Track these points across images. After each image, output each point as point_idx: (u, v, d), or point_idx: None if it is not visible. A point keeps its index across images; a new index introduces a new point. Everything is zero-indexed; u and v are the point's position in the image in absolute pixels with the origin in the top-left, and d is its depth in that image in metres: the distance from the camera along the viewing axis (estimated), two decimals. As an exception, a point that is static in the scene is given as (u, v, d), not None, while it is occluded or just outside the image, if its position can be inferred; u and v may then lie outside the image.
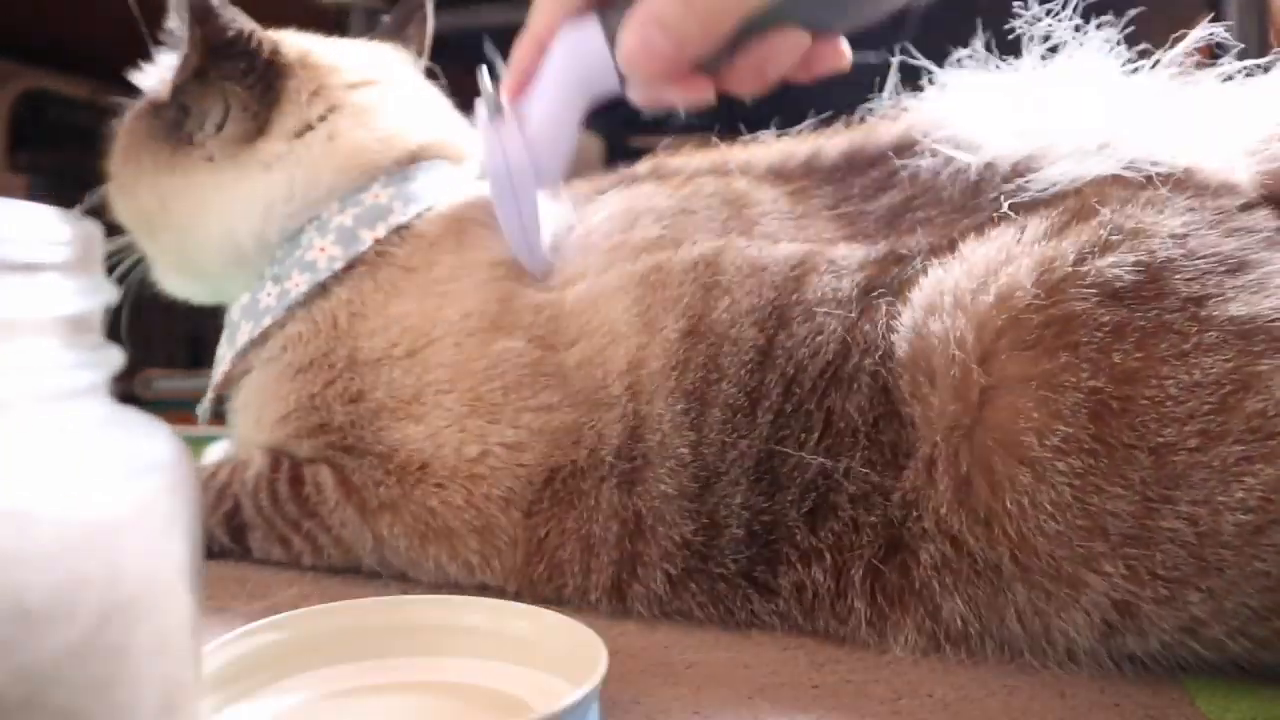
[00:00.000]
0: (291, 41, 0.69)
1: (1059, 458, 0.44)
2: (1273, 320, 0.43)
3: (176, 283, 0.72)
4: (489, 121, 0.58)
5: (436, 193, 0.66)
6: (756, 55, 0.53)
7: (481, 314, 0.59)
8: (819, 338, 0.51)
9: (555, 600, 0.55)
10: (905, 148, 0.56)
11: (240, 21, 0.65)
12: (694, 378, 0.53)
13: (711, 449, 0.52)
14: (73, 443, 0.25)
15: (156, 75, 0.69)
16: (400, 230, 0.64)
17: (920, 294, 0.50)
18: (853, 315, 0.51)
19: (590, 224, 0.61)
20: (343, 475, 0.60)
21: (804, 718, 0.43)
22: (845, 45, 0.56)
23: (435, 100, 0.74)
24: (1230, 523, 0.42)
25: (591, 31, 0.55)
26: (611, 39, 0.54)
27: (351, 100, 0.68)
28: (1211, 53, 0.56)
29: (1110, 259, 0.46)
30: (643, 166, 0.66)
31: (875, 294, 0.52)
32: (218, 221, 0.66)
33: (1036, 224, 0.49)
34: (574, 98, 0.57)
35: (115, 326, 0.72)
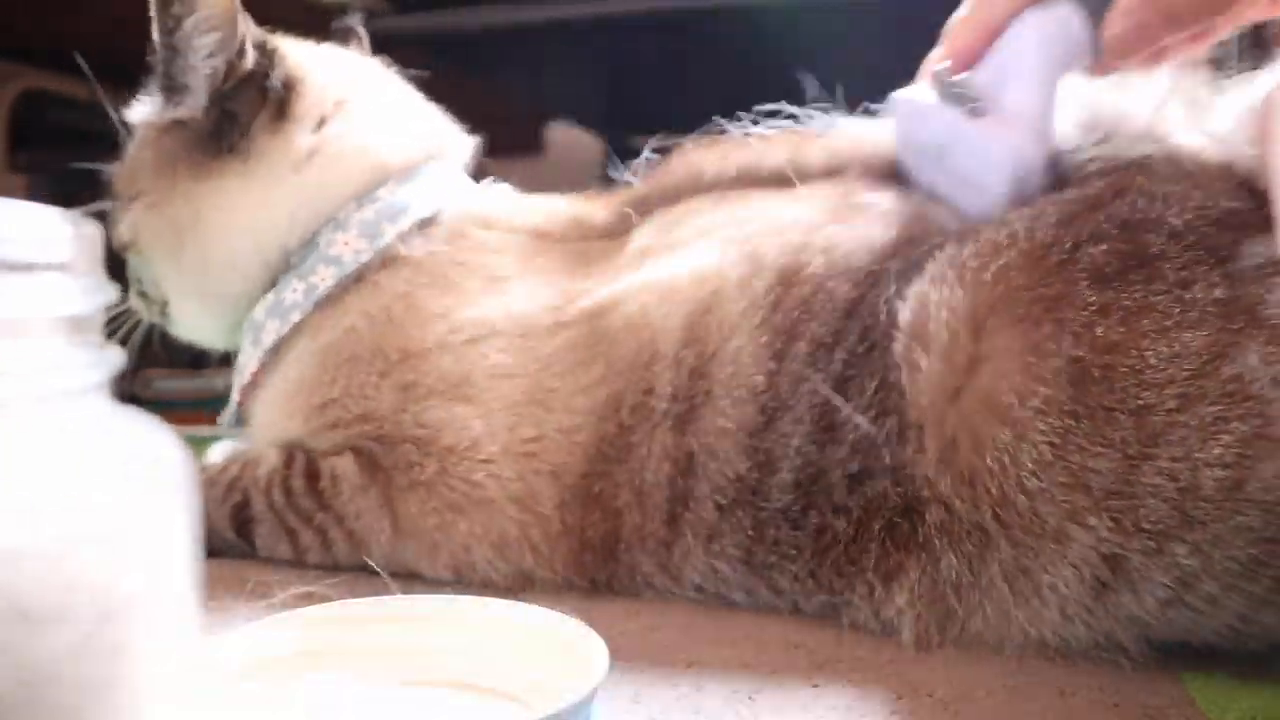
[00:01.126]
0: (289, 46, 0.71)
1: (1039, 417, 0.46)
2: (1254, 302, 0.45)
3: (194, 315, 0.72)
4: (973, 121, 0.55)
5: (451, 191, 0.69)
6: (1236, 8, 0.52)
7: (546, 308, 0.62)
8: (892, 300, 0.53)
9: (613, 540, 0.57)
10: None
11: (267, 40, 0.68)
12: (783, 317, 0.55)
13: (788, 379, 0.54)
14: (73, 443, 0.25)
15: (144, 110, 0.70)
16: (426, 226, 0.66)
17: (933, 265, 0.52)
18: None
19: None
20: (369, 460, 0.61)
21: (804, 718, 0.43)
22: None
23: (424, 102, 0.76)
24: (1210, 478, 0.44)
25: (1068, 12, 0.54)
26: (1093, 15, 0.53)
27: (359, 104, 0.70)
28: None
29: (1104, 248, 0.48)
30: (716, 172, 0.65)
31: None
32: (246, 231, 0.67)
33: (1049, 210, 0.51)
34: (1056, 77, 0.55)
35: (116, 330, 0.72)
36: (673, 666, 0.49)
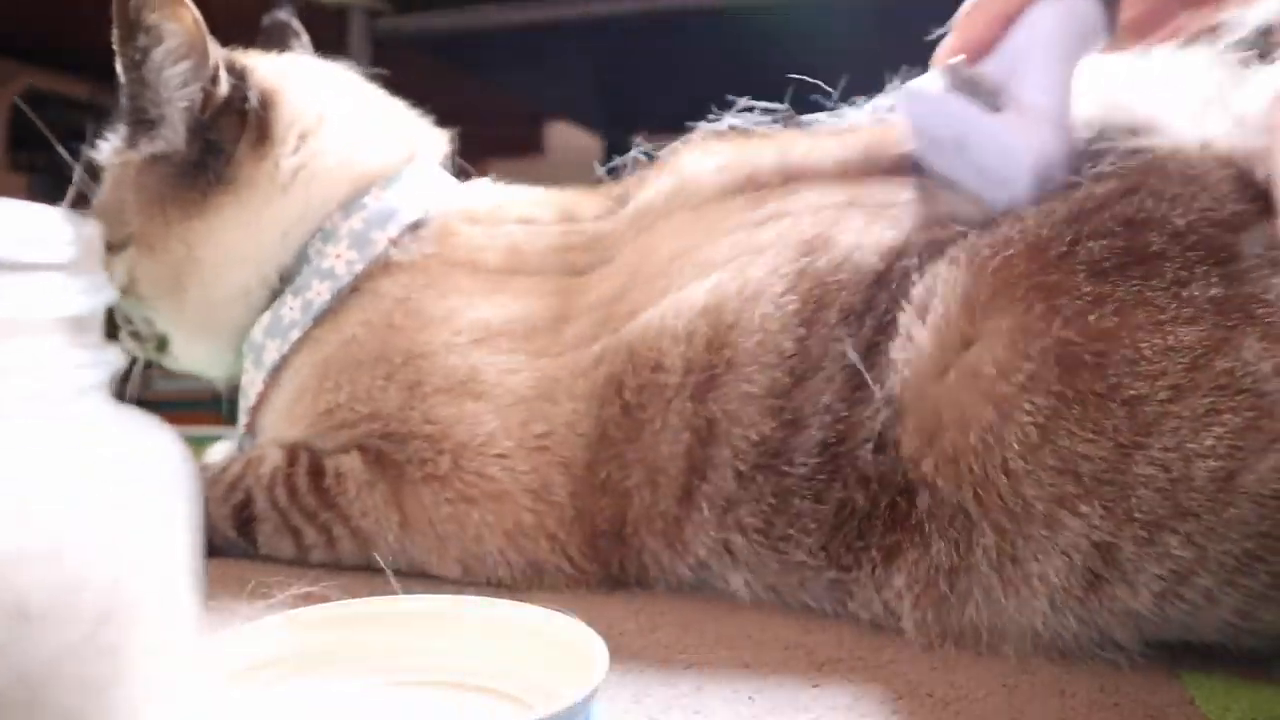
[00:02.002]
0: (255, 61, 0.70)
1: (1024, 395, 0.46)
2: (1249, 301, 0.45)
3: (198, 350, 0.72)
4: (991, 114, 0.55)
5: (434, 191, 0.69)
6: None
7: (547, 308, 0.62)
8: (915, 274, 0.54)
9: (619, 521, 0.58)
10: None
11: (234, 59, 0.68)
12: (810, 285, 0.55)
13: (819, 343, 0.54)
14: (73, 442, 0.25)
15: (113, 147, 0.69)
16: (417, 229, 0.66)
17: (953, 250, 0.53)
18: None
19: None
20: (376, 456, 0.61)
21: (804, 718, 0.44)
22: None
23: (394, 102, 0.75)
24: (1202, 469, 0.44)
25: (1083, 2, 0.54)
26: (1109, 2, 0.54)
27: (336, 114, 0.70)
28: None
29: (1104, 243, 0.48)
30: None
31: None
32: (244, 260, 0.67)
33: (1060, 207, 0.51)
34: (1073, 66, 0.55)
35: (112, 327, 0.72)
36: (673, 666, 0.49)
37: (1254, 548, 0.44)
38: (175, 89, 0.65)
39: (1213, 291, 0.46)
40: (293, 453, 0.64)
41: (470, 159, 0.76)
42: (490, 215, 0.68)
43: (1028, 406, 0.46)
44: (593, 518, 0.58)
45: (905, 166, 0.59)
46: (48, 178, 1.46)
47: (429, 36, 1.31)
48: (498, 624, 0.46)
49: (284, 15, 0.82)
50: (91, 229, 0.27)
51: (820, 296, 0.55)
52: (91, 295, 0.26)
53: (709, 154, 0.64)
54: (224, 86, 0.66)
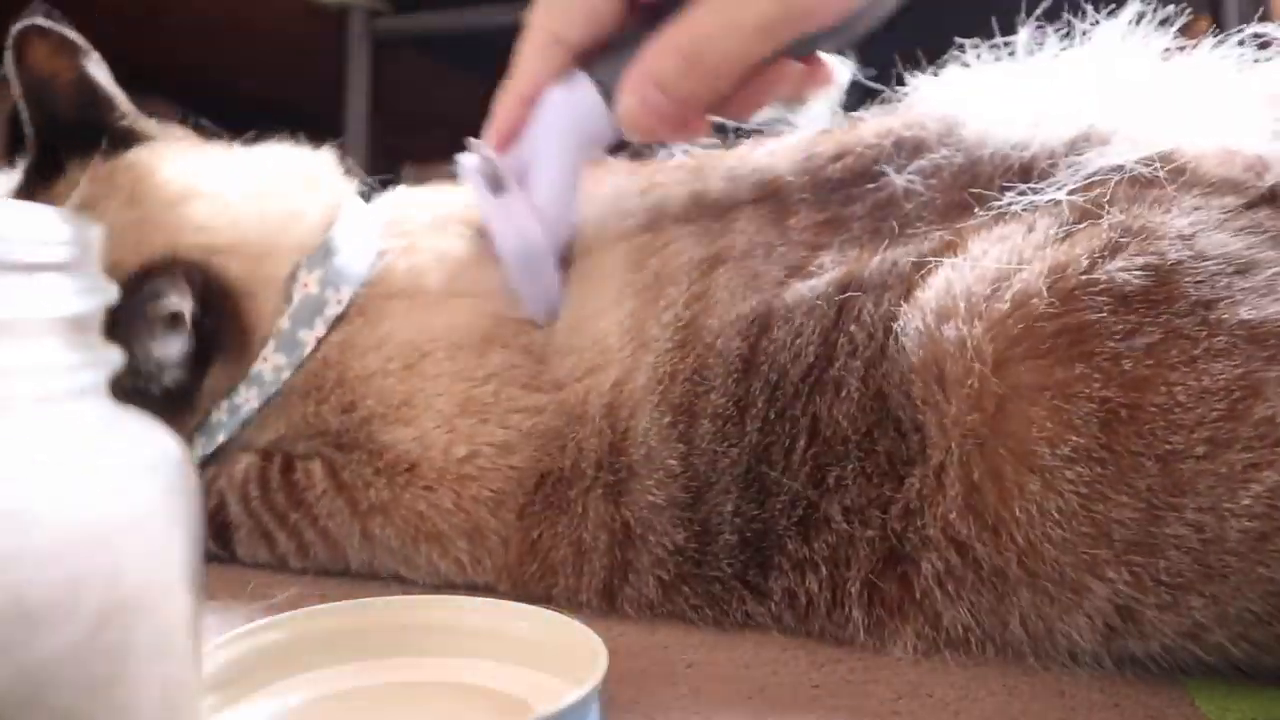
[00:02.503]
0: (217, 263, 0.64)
1: (1068, 466, 0.44)
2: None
3: None
4: (493, 198, 0.57)
5: (368, 255, 0.64)
6: (753, 88, 0.54)
7: (472, 328, 0.60)
8: (798, 341, 0.51)
9: (545, 599, 0.55)
10: (901, 147, 0.56)
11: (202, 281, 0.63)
12: (681, 390, 0.53)
13: (702, 459, 0.52)
14: (73, 443, 0.25)
15: None
16: (342, 298, 0.62)
17: (930, 296, 0.49)
18: (830, 316, 0.51)
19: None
20: (333, 469, 0.60)
21: (804, 718, 0.43)
22: (835, 63, 0.57)
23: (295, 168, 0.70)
24: (1236, 529, 0.42)
25: (585, 91, 0.55)
26: (607, 97, 0.54)
27: (286, 270, 0.64)
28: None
29: (1120, 262, 0.45)
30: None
31: (854, 294, 0.51)
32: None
33: (1045, 223, 0.49)
34: (576, 159, 0.57)
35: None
36: (673, 666, 0.49)
37: (1273, 606, 0.43)
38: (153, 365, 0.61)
39: (1241, 313, 0.43)
40: (268, 453, 0.63)
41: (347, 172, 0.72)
42: (415, 233, 0.65)
43: (1070, 476, 0.44)
44: (526, 583, 0.56)
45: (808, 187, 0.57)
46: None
47: (429, 36, 1.31)
48: (497, 624, 0.46)
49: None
50: (92, 229, 0.27)
51: (690, 406, 0.52)
52: (91, 295, 0.26)
53: (628, 182, 0.62)
54: (190, 341, 0.60)
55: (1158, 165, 0.49)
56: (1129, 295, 0.44)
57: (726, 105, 0.55)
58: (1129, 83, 0.55)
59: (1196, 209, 0.47)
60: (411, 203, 0.69)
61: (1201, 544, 0.42)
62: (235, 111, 0.80)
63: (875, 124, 0.59)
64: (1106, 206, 0.48)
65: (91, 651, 0.23)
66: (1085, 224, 0.48)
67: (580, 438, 0.55)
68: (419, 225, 0.66)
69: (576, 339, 0.57)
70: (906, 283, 0.50)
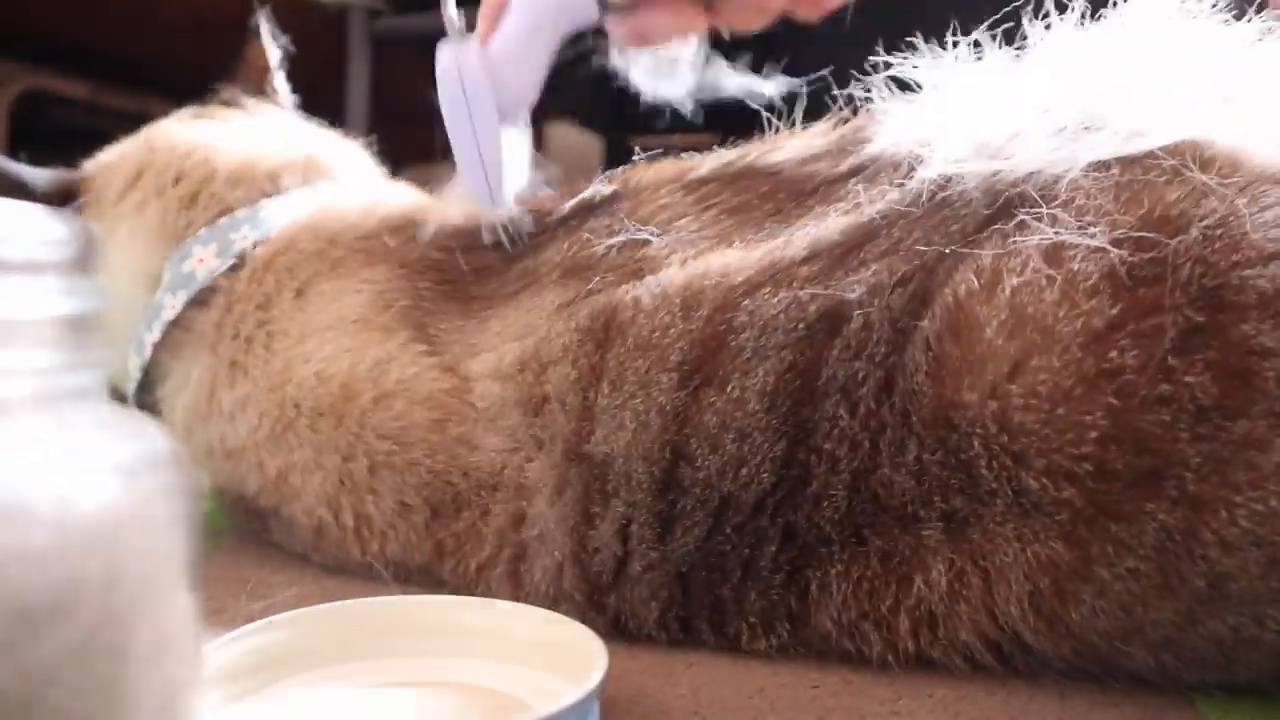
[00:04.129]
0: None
1: (1120, 582, 0.42)
2: None
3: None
4: (448, 45, 0.55)
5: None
6: None
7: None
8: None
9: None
10: (885, 166, 0.53)
11: None
12: (575, 492, 0.50)
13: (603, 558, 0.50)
14: (72, 443, 0.25)
15: None
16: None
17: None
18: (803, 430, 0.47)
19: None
20: None
21: (804, 718, 0.43)
22: None
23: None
24: (1274, 631, 0.41)
25: None
26: None
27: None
28: None
29: (1200, 359, 0.40)
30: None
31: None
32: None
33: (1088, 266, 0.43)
34: (546, 23, 0.55)
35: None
36: (673, 666, 0.49)
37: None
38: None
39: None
40: None
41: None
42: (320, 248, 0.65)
43: (1118, 588, 0.42)
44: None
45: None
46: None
47: (429, 36, 1.31)
48: (497, 624, 0.46)
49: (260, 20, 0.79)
50: (92, 229, 0.27)
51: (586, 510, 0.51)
52: (90, 295, 0.26)
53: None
54: None
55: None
56: (1204, 409, 0.40)
57: (727, 4, 0.52)
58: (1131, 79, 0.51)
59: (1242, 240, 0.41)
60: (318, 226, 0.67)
61: (1235, 643, 0.42)
62: (235, 111, 0.80)
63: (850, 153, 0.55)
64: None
65: (91, 651, 0.23)
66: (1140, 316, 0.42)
67: (490, 501, 0.54)
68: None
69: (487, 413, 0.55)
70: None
